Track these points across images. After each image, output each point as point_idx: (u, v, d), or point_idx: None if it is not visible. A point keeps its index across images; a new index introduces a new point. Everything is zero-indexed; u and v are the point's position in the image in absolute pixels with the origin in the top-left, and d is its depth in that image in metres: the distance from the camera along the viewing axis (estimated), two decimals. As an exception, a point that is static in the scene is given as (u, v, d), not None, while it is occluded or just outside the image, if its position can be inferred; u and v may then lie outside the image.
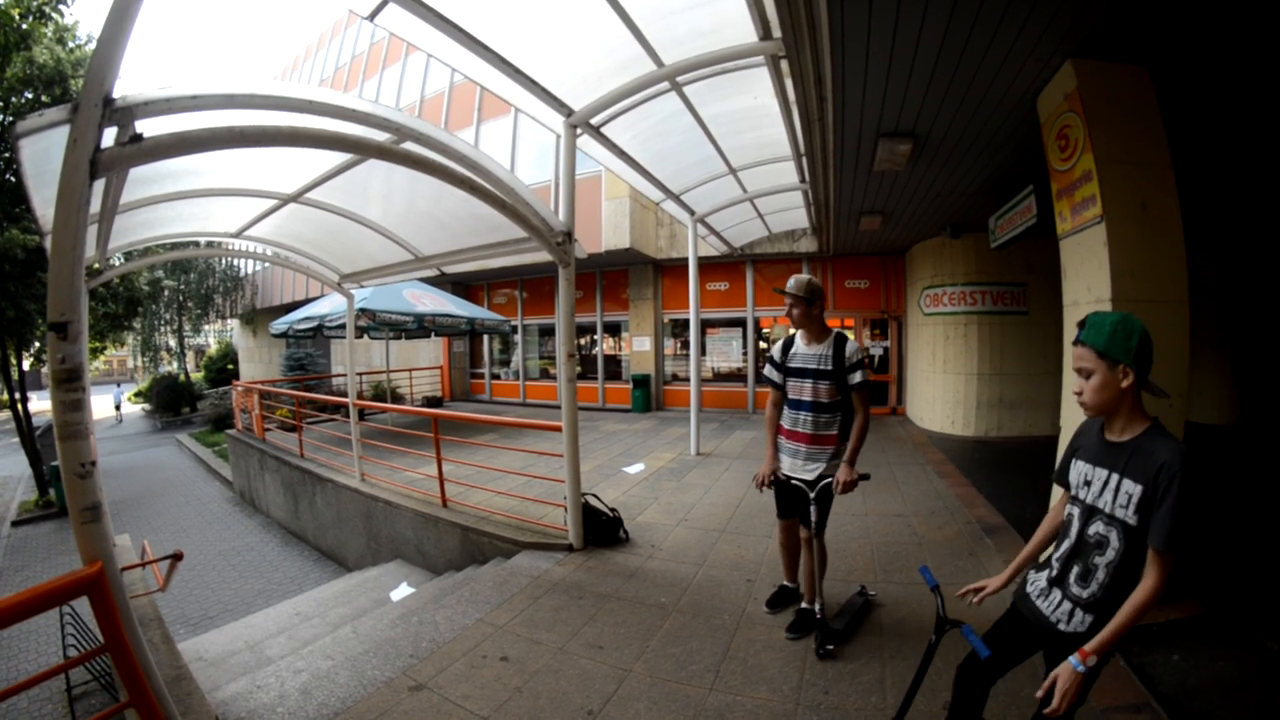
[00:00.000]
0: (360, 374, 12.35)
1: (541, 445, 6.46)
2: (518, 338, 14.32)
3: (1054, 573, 1.65)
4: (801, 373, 2.94)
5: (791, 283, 2.94)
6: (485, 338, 14.68)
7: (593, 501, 4.62)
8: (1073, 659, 1.42)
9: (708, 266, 11.76)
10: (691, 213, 7.50)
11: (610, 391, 13.35)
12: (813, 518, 2.93)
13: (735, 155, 6.07)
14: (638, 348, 12.69)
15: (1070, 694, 1.40)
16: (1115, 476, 1.50)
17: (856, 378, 2.85)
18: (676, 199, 6.95)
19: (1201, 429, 8.36)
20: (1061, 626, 1.60)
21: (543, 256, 4.27)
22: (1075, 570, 1.58)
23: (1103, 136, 3.05)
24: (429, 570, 5.28)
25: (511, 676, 2.80)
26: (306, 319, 9.79)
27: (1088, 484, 1.59)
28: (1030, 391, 8.75)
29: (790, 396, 3.01)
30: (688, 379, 12.21)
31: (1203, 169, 5.15)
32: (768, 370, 3.12)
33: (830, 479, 2.88)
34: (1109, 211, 2.97)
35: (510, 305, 14.56)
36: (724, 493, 5.94)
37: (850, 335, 2.86)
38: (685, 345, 12.72)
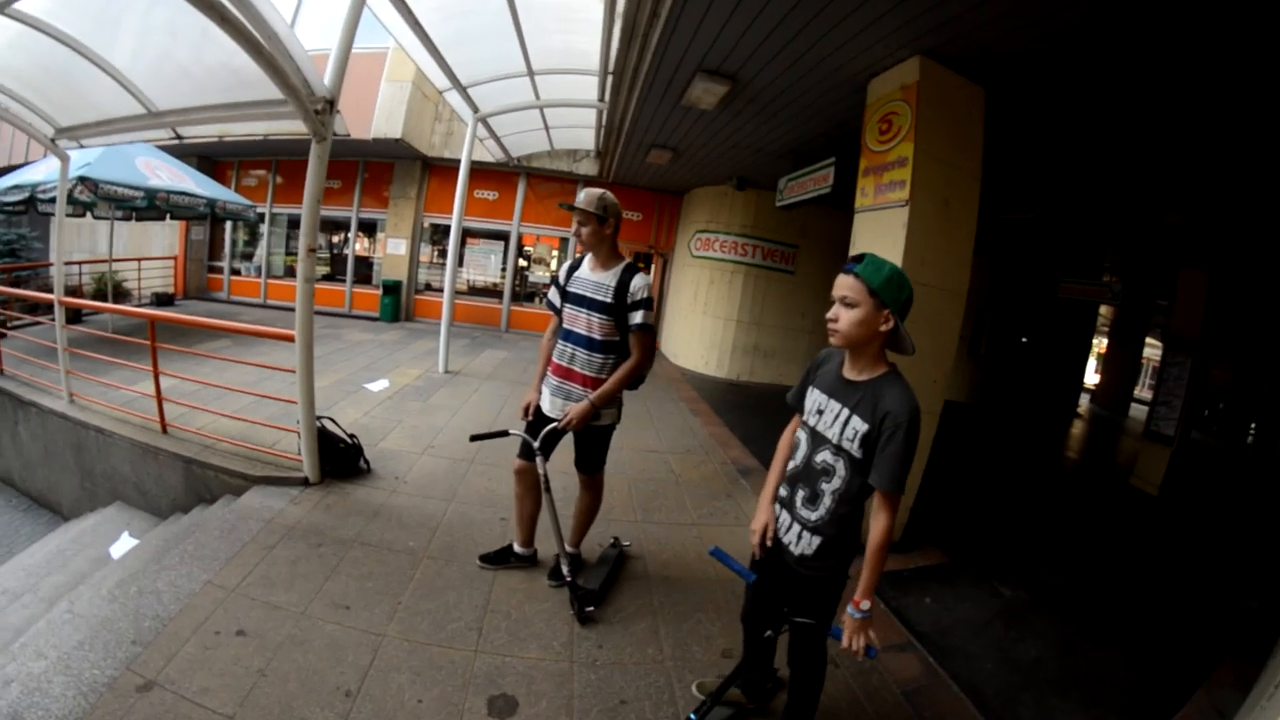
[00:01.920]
0: (79, 263, 10.61)
1: (276, 358, 5.53)
2: (264, 227, 12.41)
3: (784, 495, 1.84)
4: (579, 300, 2.68)
5: (583, 196, 2.61)
6: (228, 225, 12.48)
7: (330, 427, 4.01)
8: (849, 609, 1.63)
9: (480, 173, 11.24)
10: (475, 110, 7.00)
11: (358, 296, 12.30)
12: (576, 455, 2.85)
13: (538, 57, 5.64)
14: (392, 250, 11.80)
15: (858, 637, 1.62)
16: (846, 411, 1.64)
17: (637, 318, 2.60)
18: (463, 91, 6.46)
19: (949, 405, 10.83)
20: (793, 548, 1.78)
21: (298, 127, 3.39)
22: (802, 494, 1.76)
23: (928, 132, 3.38)
24: (153, 513, 4.47)
25: (252, 656, 2.29)
26: (15, 188, 7.51)
27: (820, 413, 1.73)
28: (786, 344, 9.98)
29: (564, 325, 2.75)
30: (442, 289, 11.31)
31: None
32: (551, 293, 2.86)
33: (597, 423, 2.71)
34: (915, 199, 3.34)
35: (261, 189, 12.42)
36: (473, 417, 5.65)
37: (642, 271, 2.70)
38: (443, 253, 11.73)
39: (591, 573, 3.06)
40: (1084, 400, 15.84)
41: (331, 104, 3.33)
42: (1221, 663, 3.26)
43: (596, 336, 2.64)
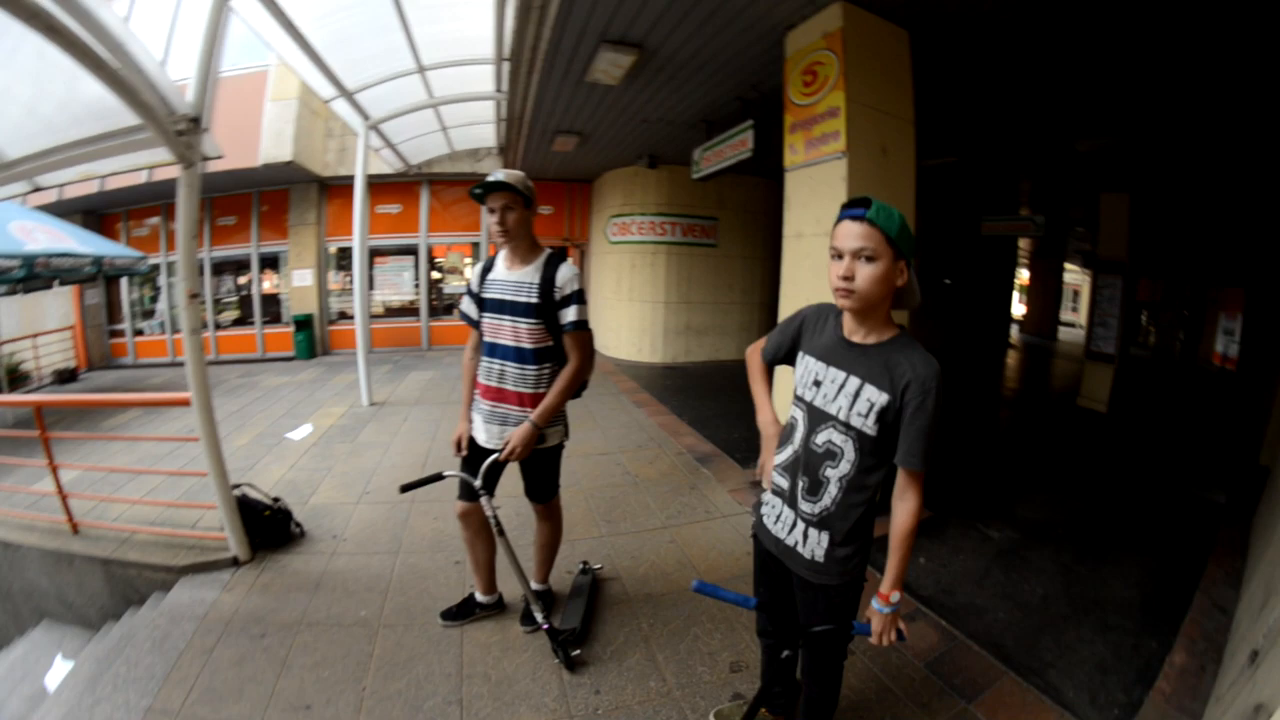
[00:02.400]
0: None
1: (184, 424, 4.97)
2: (162, 279, 11.25)
3: (781, 486, 1.61)
4: (499, 306, 2.30)
5: (501, 174, 2.19)
6: (124, 283, 11.35)
7: (250, 494, 3.57)
8: (875, 603, 1.48)
9: (379, 187, 10.66)
10: (365, 117, 6.50)
11: (271, 338, 11.37)
12: (525, 485, 2.51)
13: (428, 50, 5.30)
14: (299, 283, 10.98)
15: (889, 632, 1.47)
16: (855, 381, 1.43)
17: (570, 315, 2.25)
18: (350, 98, 5.98)
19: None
20: (800, 549, 1.56)
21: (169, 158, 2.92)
22: (803, 484, 1.53)
23: (857, 78, 3.23)
24: (84, 625, 3.82)
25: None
26: None
27: (817, 384, 1.50)
28: (717, 320, 9.92)
29: (486, 338, 2.36)
30: (346, 316, 10.91)
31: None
32: (465, 303, 2.46)
33: (543, 445, 2.36)
34: (852, 149, 3.19)
35: (154, 238, 11.26)
36: (406, 449, 5.25)
37: (570, 259, 2.42)
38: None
39: (568, 608, 2.76)
40: (1014, 330, 16.63)
41: (197, 122, 2.90)
42: (1207, 560, 3.54)
43: (526, 345, 2.28)
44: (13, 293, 8.43)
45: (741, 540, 3.49)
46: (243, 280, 11.49)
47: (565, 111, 6.33)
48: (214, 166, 9.22)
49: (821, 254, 3.43)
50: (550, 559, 2.74)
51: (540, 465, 2.45)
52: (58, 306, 11.33)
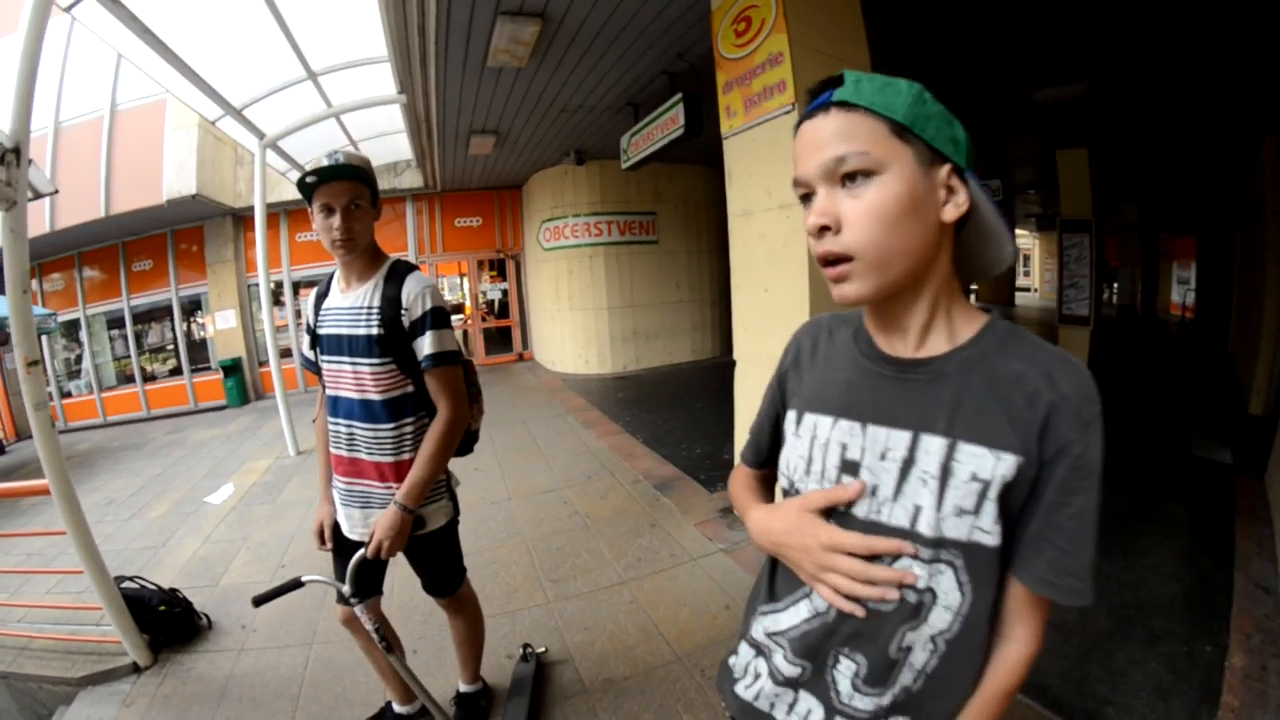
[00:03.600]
0: None
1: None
2: (83, 334, 10.76)
3: (791, 675, 0.84)
4: (336, 344, 1.73)
5: (340, 154, 1.64)
6: (44, 343, 10.37)
7: (143, 586, 3.20)
8: None
9: (297, 214, 10.07)
10: (259, 135, 6.00)
11: (201, 386, 10.90)
12: (424, 582, 1.97)
13: (316, 53, 4.80)
14: (223, 325, 10.52)
15: None
16: (936, 442, 0.72)
17: (425, 346, 1.69)
18: (238, 115, 5.51)
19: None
20: None
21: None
22: (851, 666, 0.79)
23: (799, 18, 2.75)
24: None
25: None
26: None
27: (850, 466, 0.77)
28: (666, 321, 9.58)
29: (328, 390, 1.80)
30: (289, 354, 10.28)
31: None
32: (304, 344, 1.92)
33: (422, 531, 1.81)
34: (802, 99, 2.73)
35: (68, 291, 10.79)
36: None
37: (419, 268, 1.82)
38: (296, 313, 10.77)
39: (506, 711, 2.21)
40: (972, 300, 16.95)
41: (17, 154, 2.38)
42: (1234, 531, 3.39)
43: (374, 396, 1.71)
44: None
45: (717, 591, 2.99)
46: (189, 324, 11.04)
47: (474, 106, 5.83)
48: (120, 206, 8.98)
49: (778, 231, 2.96)
50: (475, 655, 2.19)
51: (427, 555, 1.90)
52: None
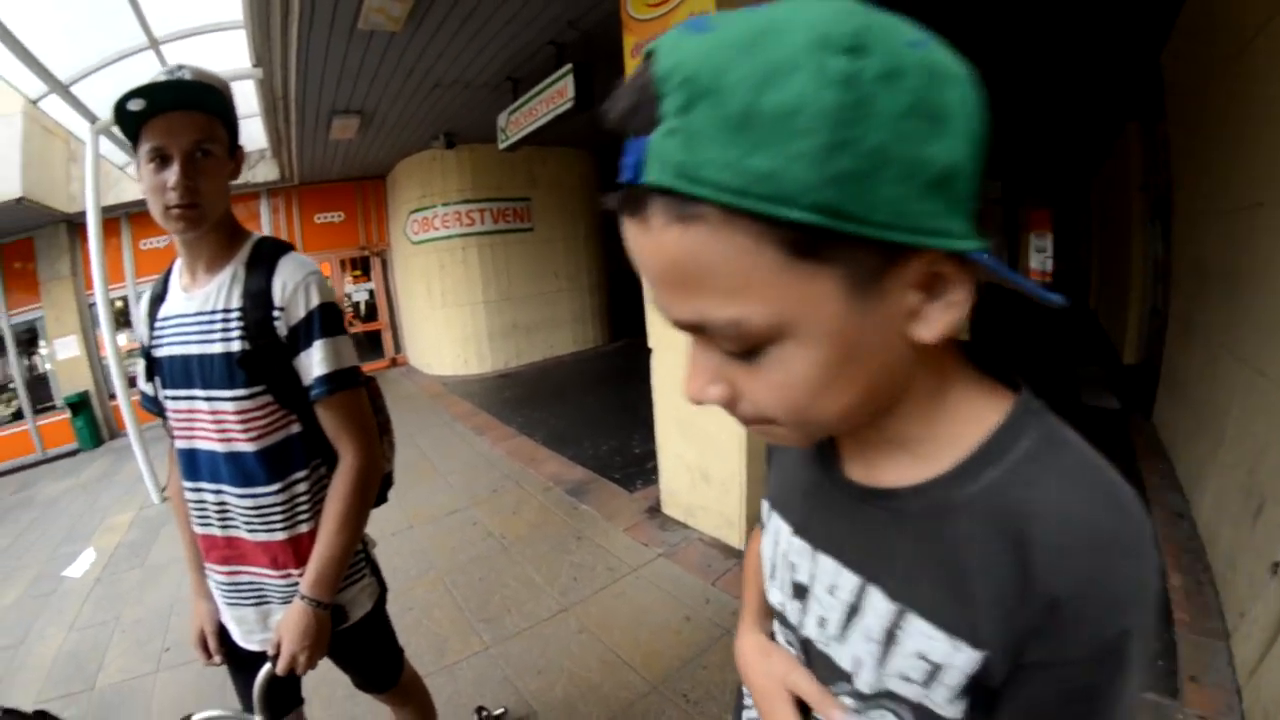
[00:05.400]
0: None
1: None
2: None
3: None
4: (183, 370, 1.21)
5: (188, 73, 1.13)
6: None
7: (5, 714, 2.41)
8: None
9: (140, 215, 8.75)
10: (92, 119, 5.17)
11: (47, 430, 9.25)
12: (355, 680, 1.54)
13: (159, 16, 4.41)
14: (64, 354, 9.08)
15: None
16: (884, 605, 0.52)
17: (317, 363, 1.20)
18: (65, 92, 4.85)
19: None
20: None
21: None
22: None
23: None
24: None
25: None
26: None
27: (798, 591, 0.62)
28: (545, 312, 9.44)
29: (176, 439, 1.27)
30: (138, 385, 8.75)
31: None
32: (140, 375, 1.36)
33: (346, 625, 1.37)
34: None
35: None
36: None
37: (293, 248, 1.27)
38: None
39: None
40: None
41: None
42: (1137, 467, 3.77)
43: (245, 446, 1.20)
44: None
45: (669, 601, 2.84)
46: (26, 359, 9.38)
47: (340, 80, 5.34)
48: None
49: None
50: None
51: (355, 649, 1.44)
52: None
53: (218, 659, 1.38)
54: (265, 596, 1.29)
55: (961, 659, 0.47)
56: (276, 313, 1.18)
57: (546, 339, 9.52)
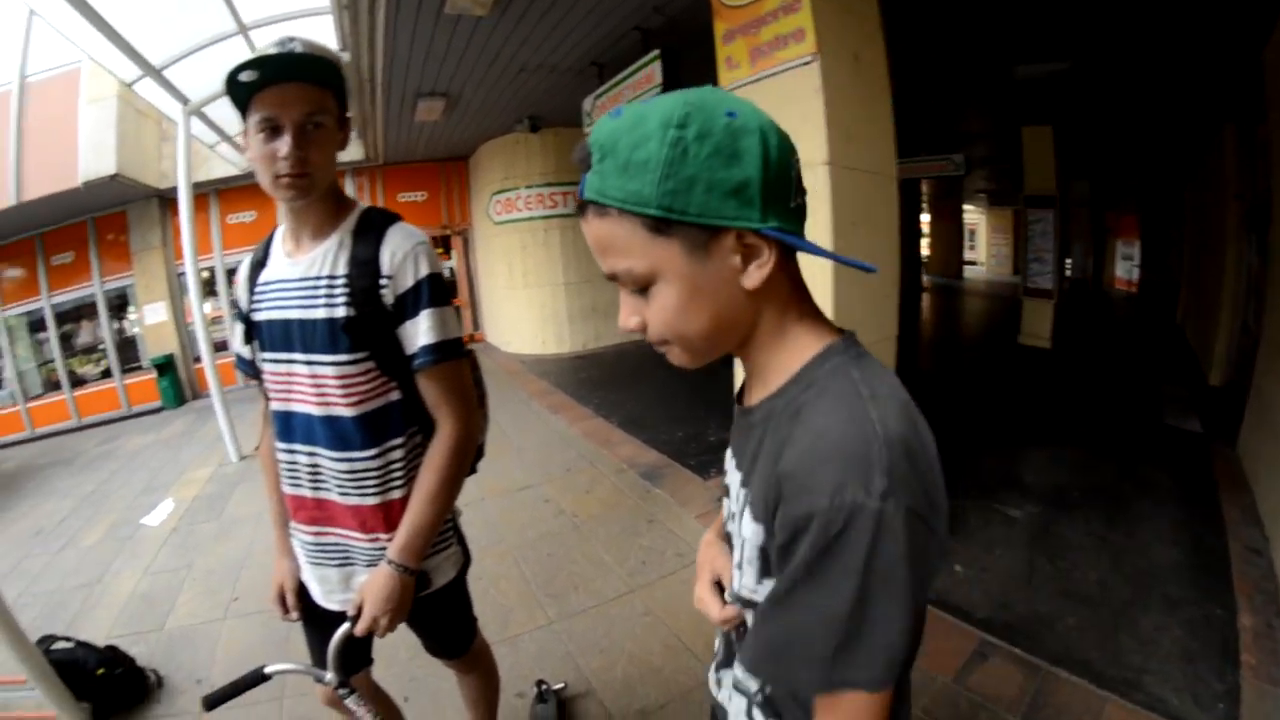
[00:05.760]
0: None
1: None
2: (3, 341, 9.85)
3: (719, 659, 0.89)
4: (283, 334, 1.24)
5: (300, 45, 1.12)
6: None
7: (77, 645, 2.75)
8: None
9: (228, 192, 9.46)
10: (184, 101, 5.42)
11: (134, 389, 10.04)
12: (427, 644, 1.60)
13: (248, 3, 4.51)
14: (152, 319, 9.74)
15: None
16: (742, 492, 0.73)
17: (424, 332, 1.21)
18: (158, 75, 4.97)
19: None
20: None
21: None
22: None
23: None
24: None
25: None
26: None
27: (727, 492, 0.85)
28: None
29: (273, 403, 1.31)
30: (224, 348, 9.70)
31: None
32: (235, 337, 1.38)
33: (428, 591, 1.37)
34: (825, 50, 2.58)
35: None
36: (282, 519, 4.30)
37: (401, 218, 1.29)
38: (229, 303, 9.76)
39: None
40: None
41: None
42: (1218, 498, 3.61)
43: (344, 410, 1.23)
44: None
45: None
46: (120, 324, 10.24)
47: (425, 62, 5.44)
48: (33, 192, 8.17)
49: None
50: (491, 712, 1.88)
51: (433, 616, 1.47)
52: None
53: (294, 615, 1.44)
54: (350, 558, 1.33)
55: (754, 531, 0.67)
56: (384, 281, 1.19)
57: (623, 322, 9.67)
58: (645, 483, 4.09)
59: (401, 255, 1.20)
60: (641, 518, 3.63)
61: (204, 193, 9.22)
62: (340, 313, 1.19)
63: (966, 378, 7.15)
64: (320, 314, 1.19)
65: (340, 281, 1.20)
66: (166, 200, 9.63)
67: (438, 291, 1.22)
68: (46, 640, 2.73)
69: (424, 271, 1.21)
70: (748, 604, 0.73)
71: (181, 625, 3.23)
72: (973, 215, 21.61)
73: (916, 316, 11.73)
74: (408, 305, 1.20)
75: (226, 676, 2.67)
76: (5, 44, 8.54)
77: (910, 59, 5.57)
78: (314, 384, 1.22)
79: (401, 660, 2.47)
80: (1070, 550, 3.11)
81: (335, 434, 1.24)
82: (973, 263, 21.66)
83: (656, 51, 4.62)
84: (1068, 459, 4.24)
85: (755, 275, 0.63)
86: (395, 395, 1.27)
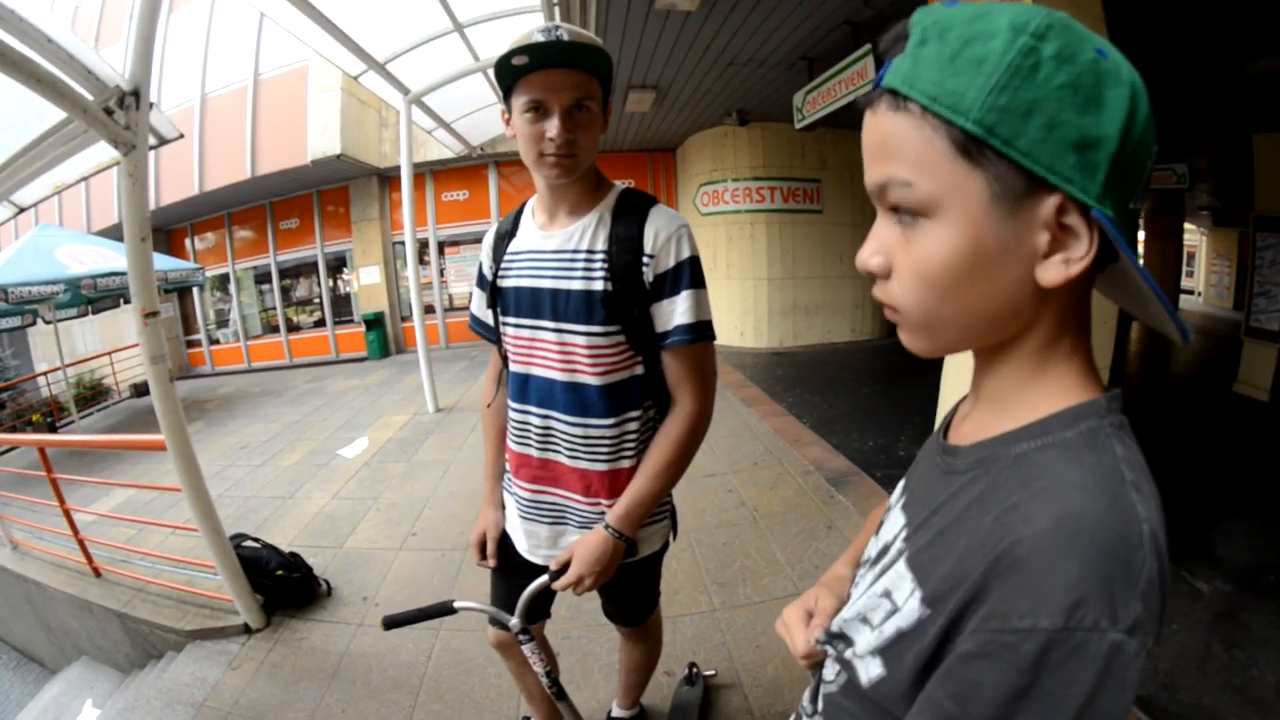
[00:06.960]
0: (44, 373, 10.62)
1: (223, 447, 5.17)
2: (231, 288, 12.34)
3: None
4: (532, 302, 1.29)
5: (566, 32, 1.11)
6: (196, 295, 12.58)
7: (262, 546, 3.17)
8: None
9: (443, 173, 10.82)
10: (404, 91, 6.00)
11: (343, 338, 11.93)
12: (605, 603, 1.64)
13: (463, 3, 4.76)
14: (367, 280, 11.31)
15: None
16: (900, 544, 0.62)
17: (680, 312, 1.22)
18: (381, 70, 5.45)
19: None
20: None
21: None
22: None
23: None
24: (116, 668, 3.80)
25: None
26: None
27: (878, 532, 0.72)
28: (827, 296, 9.26)
29: (513, 365, 1.36)
30: (434, 310, 10.97)
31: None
32: (476, 301, 1.48)
33: (633, 559, 1.37)
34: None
35: (219, 248, 12.35)
36: (466, 472, 4.62)
37: (660, 202, 1.30)
38: (440, 270, 11.75)
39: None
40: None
41: (137, 96, 2.26)
42: None
43: (590, 379, 1.27)
44: (83, 314, 9.39)
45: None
46: (333, 280, 12.09)
47: (635, 56, 5.58)
48: (266, 168, 9.98)
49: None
50: (643, 682, 1.94)
51: (627, 584, 1.49)
52: (135, 321, 12.08)
53: (492, 562, 1.51)
54: (564, 518, 1.38)
55: (909, 608, 0.52)
56: (646, 259, 1.21)
57: (824, 323, 9.33)
58: (830, 487, 3.94)
59: (665, 236, 1.22)
60: (821, 522, 3.51)
61: (421, 172, 10.27)
62: (598, 286, 1.22)
63: (1167, 424, 6.15)
64: (577, 285, 1.23)
65: (599, 256, 1.23)
66: (385, 178, 10.95)
67: (697, 274, 1.24)
68: (238, 537, 3.14)
69: (686, 253, 1.23)
70: (838, 645, 0.62)
71: (359, 548, 3.58)
72: (1192, 236, 18.69)
73: (1124, 348, 10.37)
74: (667, 284, 1.22)
75: (391, 600, 2.95)
76: (240, 52, 10.38)
77: (1128, 50, 4.90)
78: (561, 351, 1.27)
79: (561, 617, 2.59)
80: (1253, 642, 2.64)
81: (577, 400, 1.28)
82: (1190, 291, 18.82)
83: (868, 46, 4.44)
84: (1267, 532, 3.58)
85: (1057, 270, 0.46)
86: (639, 369, 1.30)
